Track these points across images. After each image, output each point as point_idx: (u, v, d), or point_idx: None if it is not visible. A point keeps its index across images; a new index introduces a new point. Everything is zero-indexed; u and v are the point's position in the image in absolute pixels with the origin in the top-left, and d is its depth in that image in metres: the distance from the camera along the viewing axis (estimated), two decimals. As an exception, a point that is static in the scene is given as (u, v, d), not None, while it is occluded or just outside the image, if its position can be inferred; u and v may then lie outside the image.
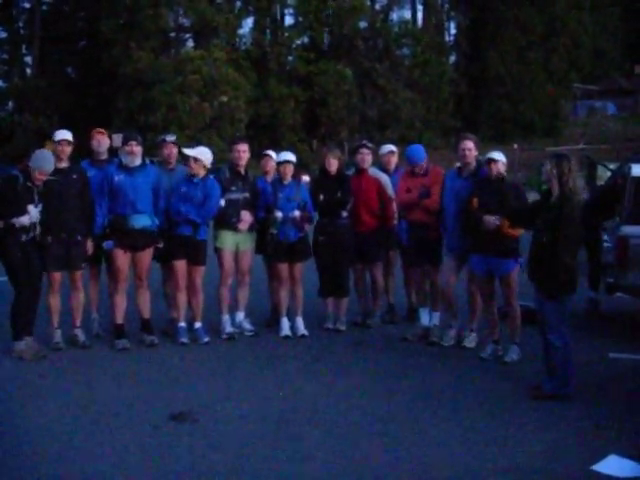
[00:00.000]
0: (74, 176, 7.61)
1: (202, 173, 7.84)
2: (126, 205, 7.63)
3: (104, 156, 8.15)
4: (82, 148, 8.56)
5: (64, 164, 7.59)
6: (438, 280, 7.94)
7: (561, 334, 6.18)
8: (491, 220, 7.10)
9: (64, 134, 7.69)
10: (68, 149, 7.63)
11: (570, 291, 6.20)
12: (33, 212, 7.18)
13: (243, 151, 8.19)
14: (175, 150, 8.32)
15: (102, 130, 8.34)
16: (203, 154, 7.91)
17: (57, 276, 7.63)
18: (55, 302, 7.69)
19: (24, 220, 7.14)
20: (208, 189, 7.84)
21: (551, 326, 6.20)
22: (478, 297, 7.72)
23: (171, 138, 8.43)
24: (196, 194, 7.80)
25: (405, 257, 8.68)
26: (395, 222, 8.55)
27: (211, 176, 7.96)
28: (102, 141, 8.21)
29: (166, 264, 8.16)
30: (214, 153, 8.29)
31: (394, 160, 9.00)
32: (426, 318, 8.18)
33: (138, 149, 7.74)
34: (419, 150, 8.09)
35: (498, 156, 7.31)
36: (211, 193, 7.85)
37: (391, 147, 9.19)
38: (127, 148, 7.69)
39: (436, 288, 8.08)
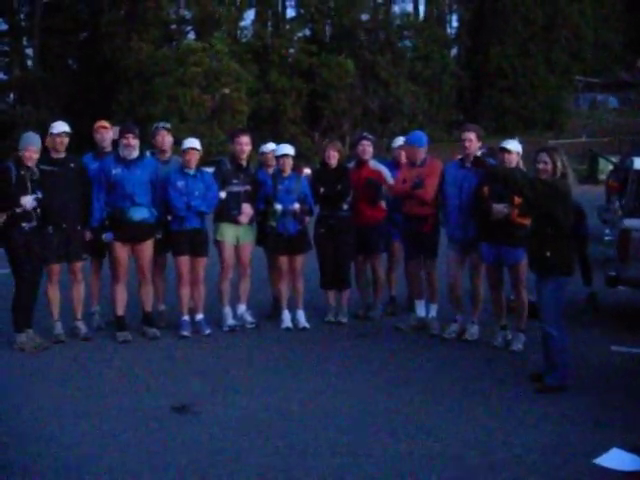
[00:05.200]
0: (71, 165, 7.61)
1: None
2: (124, 198, 7.59)
3: (108, 149, 8.13)
4: (84, 140, 8.53)
5: (61, 155, 7.58)
6: (450, 277, 7.85)
7: (557, 324, 6.20)
8: (500, 208, 7.08)
9: (62, 126, 7.67)
10: (66, 140, 7.60)
11: (564, 272, 6.19)
12: (27, 200, 7.16)
13: (245, 143, 8.14)
14: (168, 138, 8.25)
15: (106, 124, 8.30)
16: (196, 143, 7.88)
17: (56, 268, 7.61)
18: (54, 294, 7.68)
19: (26, 204, 7.13)
20: (207, 179, 7.91)
21: (548, 315, 6.20)
22: (481, 289, 7.72)
23: (164, 125, 8.39)
24: (199, 186, 7.81)
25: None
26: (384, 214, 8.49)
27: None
28: (106, 135, 8.19)
29: (160, 256, 8.12)
30: (215, 145, 8.28)
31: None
32: (422, 310, 8.18)
33: (135, 142, 7.67)
34: (420, 135, 8.18)
35: (512, 146, 7.21)
36: (211, 182, 7.92)
37: None
38: (124, 141, 7.64)
39: (432, 280, 8.08)
